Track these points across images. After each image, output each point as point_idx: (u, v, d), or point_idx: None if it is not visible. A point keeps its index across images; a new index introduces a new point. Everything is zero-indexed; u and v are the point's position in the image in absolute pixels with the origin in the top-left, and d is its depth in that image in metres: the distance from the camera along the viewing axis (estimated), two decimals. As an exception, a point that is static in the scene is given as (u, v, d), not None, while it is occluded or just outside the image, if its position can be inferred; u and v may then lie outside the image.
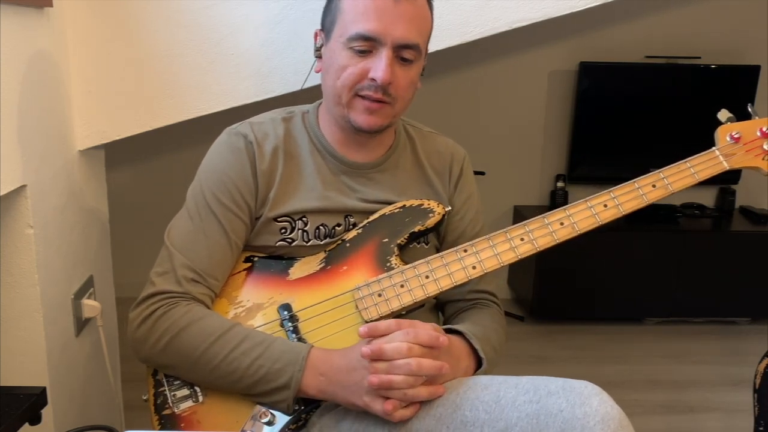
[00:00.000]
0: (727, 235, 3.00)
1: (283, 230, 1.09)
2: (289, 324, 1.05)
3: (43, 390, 1.02)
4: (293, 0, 1.37)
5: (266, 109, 1.19)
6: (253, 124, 1.12)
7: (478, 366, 1.04)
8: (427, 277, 1.05)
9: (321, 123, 1.14)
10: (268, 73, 1.41)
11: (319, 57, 1.11)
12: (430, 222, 1.10)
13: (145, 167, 3.06)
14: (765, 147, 1.10)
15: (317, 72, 1.12)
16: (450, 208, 1.16)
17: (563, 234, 1.06)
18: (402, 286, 1.05)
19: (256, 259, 1.11)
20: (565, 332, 2.94)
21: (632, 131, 3.05)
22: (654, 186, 1.08)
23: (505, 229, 1.07)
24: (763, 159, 1.10)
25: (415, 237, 1.11)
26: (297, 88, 1.41)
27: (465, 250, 1.06)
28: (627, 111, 3.04)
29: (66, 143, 1.34)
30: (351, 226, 1.11)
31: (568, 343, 2.86)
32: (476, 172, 1.30)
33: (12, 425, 0.94)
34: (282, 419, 1.00)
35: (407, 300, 1.05)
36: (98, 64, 1.36)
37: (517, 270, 3.15)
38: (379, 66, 1.01)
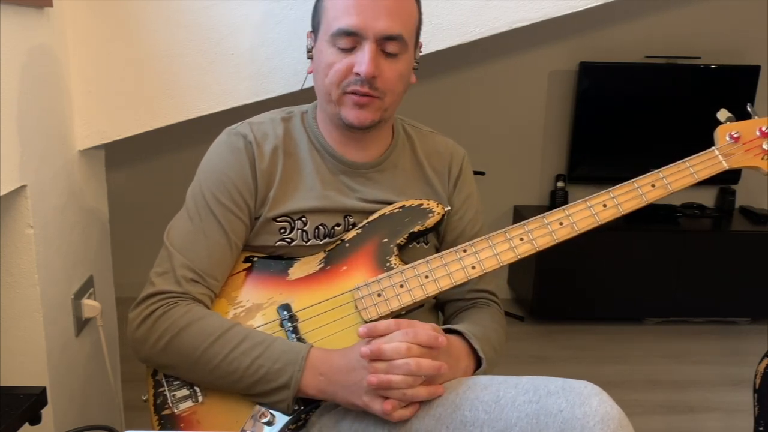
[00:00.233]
0: (727, 235, 3.00)
1: (282, 230, 1.09)
2: (289, 324, 1.05)
3: (43, 390, 1.02)
4: (293, 0, 1.37)
5: (266, 109, 1.19)
6: (253, 124, 1.13)
7: (478, 366, 1.04)
8: (426, 277, 1.06)
9: (319, 123, 1.15)
10: (268, 73, 1.41)
11: (310, 58, 1.12)
12: (430, 222, 1.10)
13: (145, 167, 3.06)
14: (764, 146, 1.10)
15: (310, 73, 1.13)
16: (449, 208, 1.16)
17: (562, 234, 1.06)
18: (401, 286, 1.05)
19: (255, 259, 1.11)
20: (565, 332, 2.94)
21: (632, 131, 3.05)
22: (653, 186, 1.08)
23: (504, 229, 1.07)
24: (762, 158, 1.10)
25: (414, 237, 1.11)
26: (297, 88, 1.41)
27: (464, 250, 1.07)
28: (627, 111, 3.04)
29: (66, 143, 1.34)
30: (350, 226, 1.11)
31: (568, 343, 2.86)
32: (476, 172, 1.30)
33: (12, 425, 0.94)
34: (282, 419, 1.00)
35: (407, 300, 1.05)
36: (98, 64, 1.36)
37: (517, 270, 3.15)
38: (362, 60, 1.02)
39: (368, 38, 1.02)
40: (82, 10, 1.32)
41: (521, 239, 1.06)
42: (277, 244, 1.09)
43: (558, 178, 3.13)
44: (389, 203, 1.12)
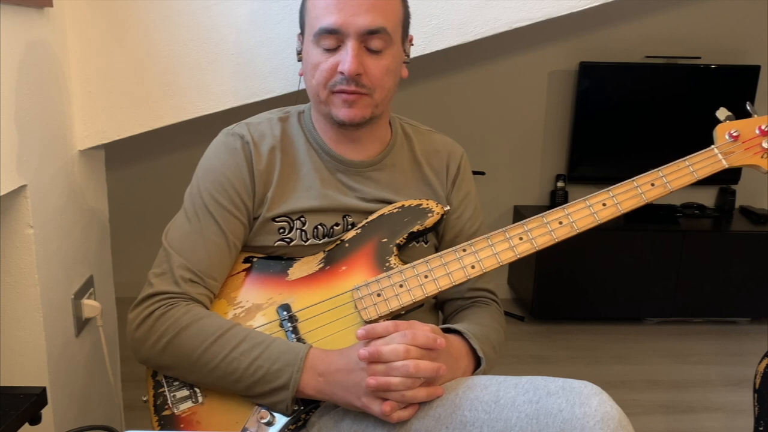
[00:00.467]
0: (727, 235, 3.00)
1: (281, 230, 1.09)
2: (289, 324, 1.05)
3: (43, 390, 1.02)
4: (293, 0, 1.37)
5: (266, 109, 1.19)
6: (250, 125, 1.13)
7: (478, 365, 1.04)
8: (426, 276, 1.06)
9: (315, 122, 1.15)
10: (268, 73, 1.41)
11: (300, 60, 1.12)
12: (429, 222, 1.10)
13: (145, 167, 3.06)
14: (764, 145, 1.09)
15: (300, 75, 1.13)
16: (449, 207, 1.16)
17: (562, 233, 1.06)
18: (401, 286, 1.05)
19: (255, 259, 1.11)
20: (565, 332, 2.94)
21: (632, 131, 3.05)
22: (653, 184, 1.08)
23: (503, 229, 1.07)
24: (762, 157, 1.09)
25: (413, 237, 1.11)
26: (297, 88, 1.41)
27: (464, 250, 1.06)
28: (627, 111, 3.04)
29: (66, 143, 1.34)
30: (349, 226, 1.11)
31: (568, 343, 2.86)
32: (476, 172, 1.30)
33: (12, 425, 0.94)
34: (281, 420, 1.00)
35: (406, 300, 1.05)
36: (98, 64, 1.36)
37: (517, 270, 3.15)
38: (345, 58, 1.02)
39: (350, 35, 1.02)
40: (82, 10, 1.33)
41: (521, 238, 1.06)
42: (276, 244, 1.09)
43: (558, 178, 3.14)
44: (388, 202, 1.12)
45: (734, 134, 1.10)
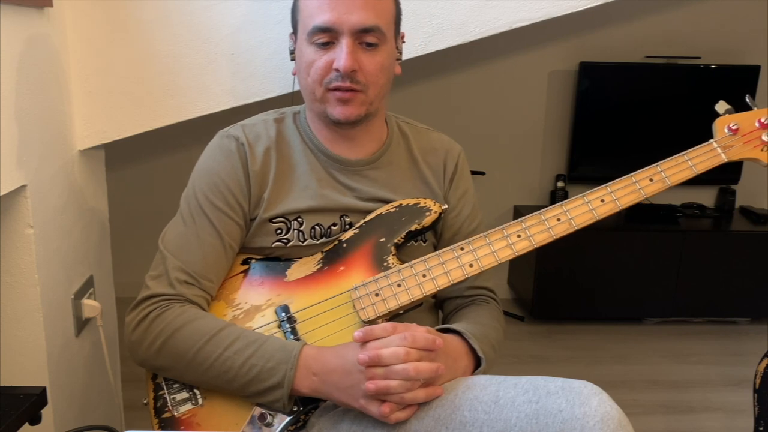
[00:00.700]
0: (727, 235, 3.00)
1: (278, 231, 1.09)
2: (287, 325, 1.05)
3: (43, 390, 1.02)
4: (293, 0, 1.37)
5: (266, 109, 1.20)
6: (245, 126, 1.13)
7: (477, 364, 1.04)
8: (424, 276, 1.05)
9: (310, 122, 1.15)
10: (268, 73, 1.41)
11: (293, 59, 1.12)
12: (427, 221, 1.10)
13: (145, 167, 3.06)
14: (764, 138, 1.07)
15: (294, 74, 1.13)
16: (447, 206, 1.15)
17: (560, 230, 1.06)
18: (399, 285, 1.05)
19: (253, 261, 1.11)
20: (565, 332, 2.94)
21: (632, 131, 3.05)
22: (651, 180, 1.07)
23: (501, 227, 1.07)
24: (761, 150, 1.07)
25: (412, 236, 1.11)
26: (296, 88, 1.41)
27: (462, 248, 1.06)
28: (627, 111, 3.04)
29: (66, 143, 1.34)
30: (347, 226, 1.11)
31: (568, 343, 2.86)
32: (476, 172, 1.30)
33: (12, 425, 0.94)
34: (281, 420, 1.00)
35: (405, 299, 1.05)
36: (98, 64, 1.36)
37: (517, 270, 3.15)
38: (340, 55, 1.02)
39: (344, 33, 1.02)
40: (82, 11, 1.33)
41: (518, 236, 1.06)
42: (273, 245, 1.09)
43: (558, 178, 3.13)
44: (385, 201, 1.12)
45: (733, 127, 1.08)
